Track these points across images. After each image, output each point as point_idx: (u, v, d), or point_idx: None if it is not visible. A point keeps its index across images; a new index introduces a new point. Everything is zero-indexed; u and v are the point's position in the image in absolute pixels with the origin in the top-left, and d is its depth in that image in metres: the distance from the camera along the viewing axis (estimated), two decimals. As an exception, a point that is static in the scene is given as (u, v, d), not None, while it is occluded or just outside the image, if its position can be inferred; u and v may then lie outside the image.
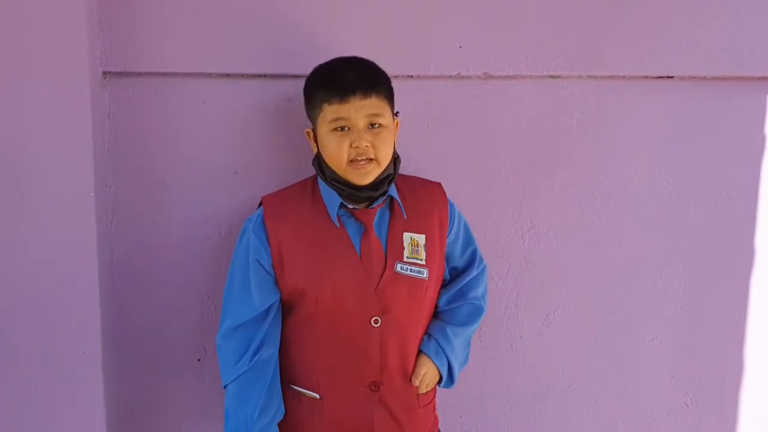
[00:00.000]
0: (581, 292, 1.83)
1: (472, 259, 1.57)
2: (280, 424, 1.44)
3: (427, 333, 1.50)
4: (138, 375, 1.67)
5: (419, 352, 1.48)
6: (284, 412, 1.44)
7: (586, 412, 1.88)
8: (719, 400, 1.93)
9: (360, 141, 1.34)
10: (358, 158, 1.35)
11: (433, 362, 1.47)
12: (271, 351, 1.42)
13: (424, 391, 1.48)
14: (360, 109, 1.34)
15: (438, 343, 1.48)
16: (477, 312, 1.55)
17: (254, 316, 1.40)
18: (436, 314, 1.53)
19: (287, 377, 1.45)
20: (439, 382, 1.51)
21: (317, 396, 1.42)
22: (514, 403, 1.85)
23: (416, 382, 1.45)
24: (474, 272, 1.56)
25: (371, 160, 1.36)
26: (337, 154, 1.35)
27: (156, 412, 1.70)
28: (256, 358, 1.39)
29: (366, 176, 1.36)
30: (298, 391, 1.44)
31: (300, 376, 1.44)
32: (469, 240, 1.57)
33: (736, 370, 1.93)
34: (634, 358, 1.87)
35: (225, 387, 1.42)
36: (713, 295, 1.88)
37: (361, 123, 1.35)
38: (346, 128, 1.35)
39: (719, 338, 1.90)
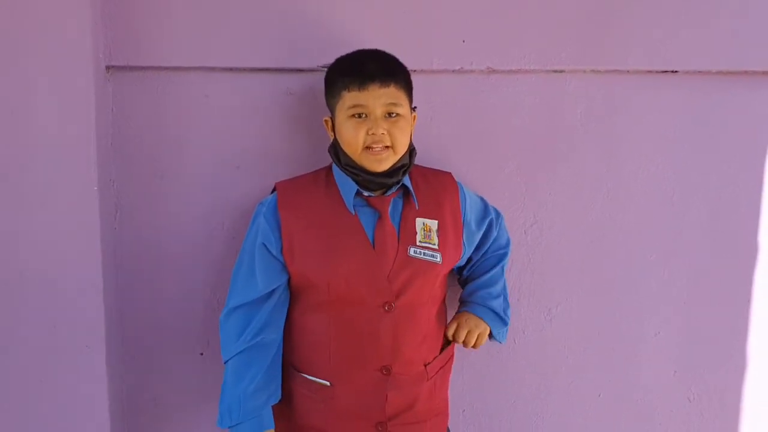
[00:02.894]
0: (584, 287, 1.83)
1: (489, 227, 1.60)
2: (290, 414, 1.47)
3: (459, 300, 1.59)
4: (142, 369, 1.68)
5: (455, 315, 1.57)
6: (280, 397, 1.46)
7: (588, 406, 1.88)
8: (722, 395, 1.92)
9: (377, 128, 1.36)
10: (374, 145, 1.37)
11: (467, 312, 1.55)
12: (273, 336, 1.44)
13: (477, 336, 1.54)
14: (378, 97, 1.36)
15: (461, 301, 1.59)
16: (500, 257, 1.62)
17: (256, 297, 1.42)
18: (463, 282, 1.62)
19: (296, 366, 1.47)
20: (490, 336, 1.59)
21: (328, 383, 1.43)
22: (517, 398, 1.85)
23: (450, 333, 1.53)
24: (492, 233, 1.61)
25: (387, 147, 1.38)
26: (353, 140, 1.37)
27: (159, 405, 1.70)
28: (257, 339, 1.42)
29: (381, 163, 1.38)
30: (308, 380, 1.45)
31: (310, 364, 1.45)
32: (483, 213, 1.58)
33: (739, 366, 1.92)
34: (637, 353, 1.87)
35: (225, 363, 1.44)
36: (717, 290, 1.88)
37: (379, 111, 1.37)
38: (364, 115, 1.38)
39: (722, 334, 1.90)
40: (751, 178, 1.85)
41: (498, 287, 1.60)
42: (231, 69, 1.61)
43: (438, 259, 1.43)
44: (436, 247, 1.43)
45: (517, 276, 1.80)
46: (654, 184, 1.82)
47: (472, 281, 1.60)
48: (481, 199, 1.60)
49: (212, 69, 1.61)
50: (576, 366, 1.86)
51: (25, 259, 1.50)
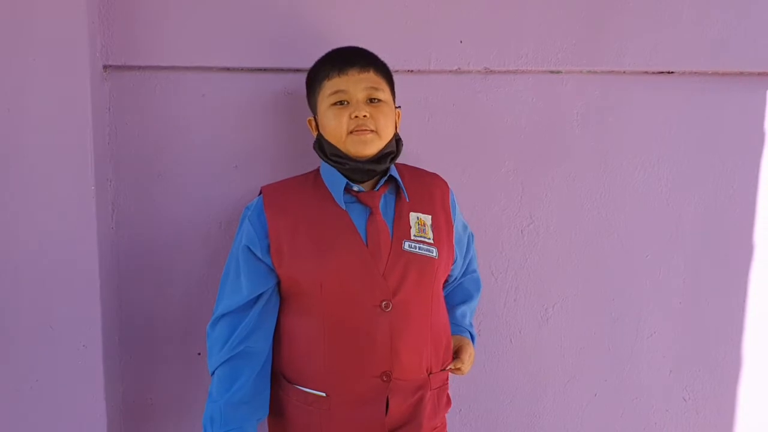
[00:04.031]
0: (580, 287, 1.84)
1: (469, 240, 1.61)
2: (284, 429, 1.43)
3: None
4: (139, 368, 1.68)
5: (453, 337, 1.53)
6: (267, 413, 1.41)
7: (584, 406, 1.89)
8: (717, 394, 1.93)
9: (359, 111, 1.35)
10: (358, 129, 1.36)
11: (466, 338, 1.54)
12: (261, 345, 1.39)
13: (468, 369, 1.52)
14: (358, 81, 1.36)
15: (459, 324, 1.55)
16: (477, 284, 1.63)
17: (242, 303, 1.38)
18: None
19: (288, 377, 1.41)
20: None
21: (324, 395, 1.37)
22: (513, 397, 1.86)
23: (459, 365, 1.49)
24: (471, 251, 1.61)
25: (372, 131, 1.36)
26: (337, 126, 1.36)
27: (156, 405, 1.70)
28: (242, 347, 1.37)
29: (367, 144, 1.36)
30: (302, 391, 1.39)
31: (304, 375, 1.39)
32: (465, 225, 1.59)
33: (735, 365, 1.93)
34: (633, 352, 1.88)
35: (211, 375, 1.40)
36: (712, 290, 1.89)
37: (360, 95, 1.36)
38: (346, 102, 1.37)
39: (718, 333, 1.91)
40: (746, 178, 1.86)
41: (471, 315, 1.61)
42: (228, 69, 1.61)
43: (434, 254, 1.40)
44: (431, 241, 1.40)
45: (513, 276, 1.81)
46: (650, 184, 1.82)
47: (459, 305, 1.57)
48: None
49: (209, 69, 1.61)
50: (572, 366, 1.86)
51: (21, 259, 1.50)
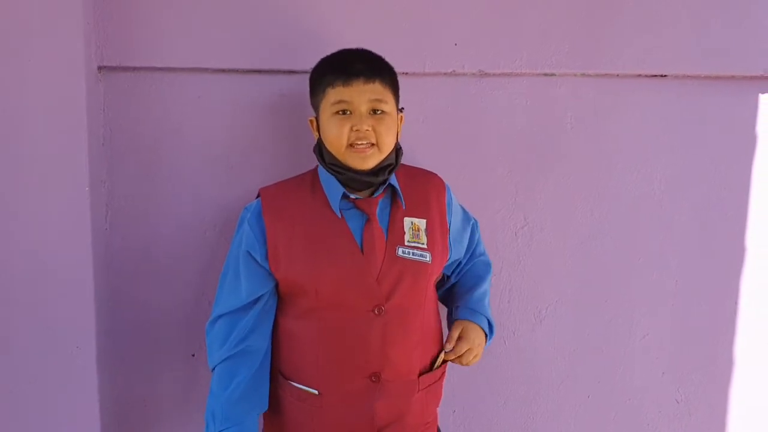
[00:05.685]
0: (574, 290, 1.85)
1: (472, 232, 1.59)
2: (279, 422, 1.45)
3: (450, 307, 1.55)
4: (133, 370, 1.67)
5: (451, 321, 1.51)
6: (266, 407, 1.43)
7: (577, 407, 1.90)
8: (709, 396, 1.94)
9: (361, 124, 1.34)
10: (359, 142, 1.34)
11: (467, 320, 1.49)
12: (260, 344, 1.41)
13: (474, 357, 1.47)
14: (363, 93, 1.34)
15: (465, 306, 1.52)
16: (487, 266, 1.61)
17: (241, 306, 1.40)
18: (448, 288, 1.58)
19: (285, 373, 1.44)
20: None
21: (316, 392, 1.40)
22: (507, 399, 1.86)
23: (449, 347, 1.44)
24: (474, 241, 1.60)
25: (372, 145, 1.35)
26: (338, 137, 1.35)
27: (150, 407, 1.70)
28: (242, 346, 1.39)
29: (366, 160, 1.36)
30: (297, 388, 1.42)
31: (299, 372, 1.42)
32: (466, 218, 1.58)
33: (727, 367, 1.94)
34: (626, 354, 1.89)
35: (212, 371, 1.43)
36: (705, 292, 1.90)
37: (364, 107, 1.35)
38: (348, 112, 1.35)
39: (710, 335, 1.92)
40: (738, 180, 1.87)
41: (488, 296, 1.58)
42: (223, 70, 1.61)
43: (428, 259, 1.41)
44: (425, 246, 1.41)
45: (507, 278, 1.81)
46: (643, 187, 1.83)
47: (468, 290, 1.56)
48: (460, 205, 1.59)
49: (204, 70, 1.61)
50: (566, 367, 1.87)
51: (15, 259, 1.50)
